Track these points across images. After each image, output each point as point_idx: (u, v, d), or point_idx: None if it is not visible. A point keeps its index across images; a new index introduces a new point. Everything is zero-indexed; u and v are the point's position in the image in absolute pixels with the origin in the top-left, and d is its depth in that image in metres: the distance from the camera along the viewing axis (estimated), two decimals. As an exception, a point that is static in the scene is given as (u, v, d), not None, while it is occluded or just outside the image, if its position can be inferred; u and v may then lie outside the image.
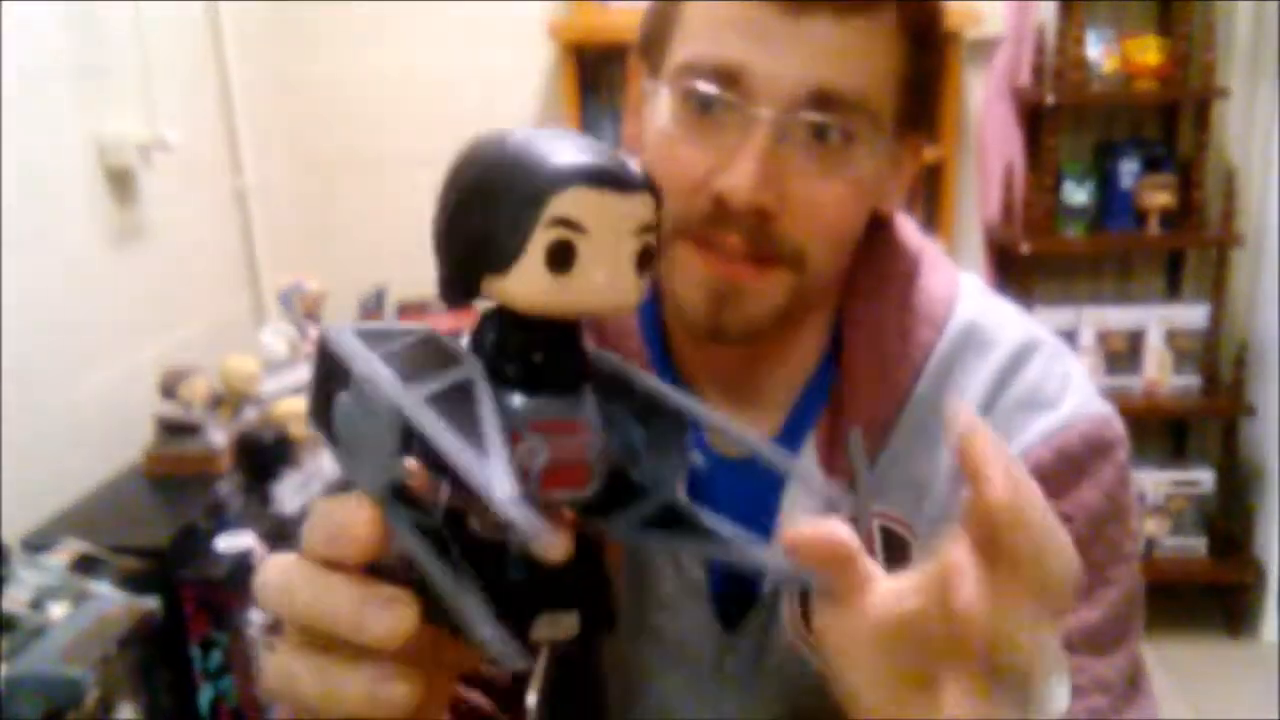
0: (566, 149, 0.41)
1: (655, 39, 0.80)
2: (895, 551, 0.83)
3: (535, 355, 0.42)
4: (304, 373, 2.37)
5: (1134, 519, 0.82)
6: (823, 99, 0.73)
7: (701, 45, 0.76)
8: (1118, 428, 0.82)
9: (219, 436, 2.20)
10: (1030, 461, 0.79)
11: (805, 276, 0.78)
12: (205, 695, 1.77)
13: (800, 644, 0.84)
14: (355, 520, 0.43)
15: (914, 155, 0.85)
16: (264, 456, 2.14)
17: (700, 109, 0.76)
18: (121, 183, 2.31)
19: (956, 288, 0.87)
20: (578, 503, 0.43)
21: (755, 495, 0.85)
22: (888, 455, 0.83)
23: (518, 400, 0.42)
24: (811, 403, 0.87)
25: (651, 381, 0.47)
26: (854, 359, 0.84)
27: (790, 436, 0.86)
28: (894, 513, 0.83)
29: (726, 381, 0.89)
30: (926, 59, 0.80)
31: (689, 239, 0.78)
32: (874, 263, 0.86)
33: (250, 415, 2.28)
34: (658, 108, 0.79)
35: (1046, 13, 3.00)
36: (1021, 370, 0.83)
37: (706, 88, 0.75)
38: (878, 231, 0.86)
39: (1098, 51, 2.96)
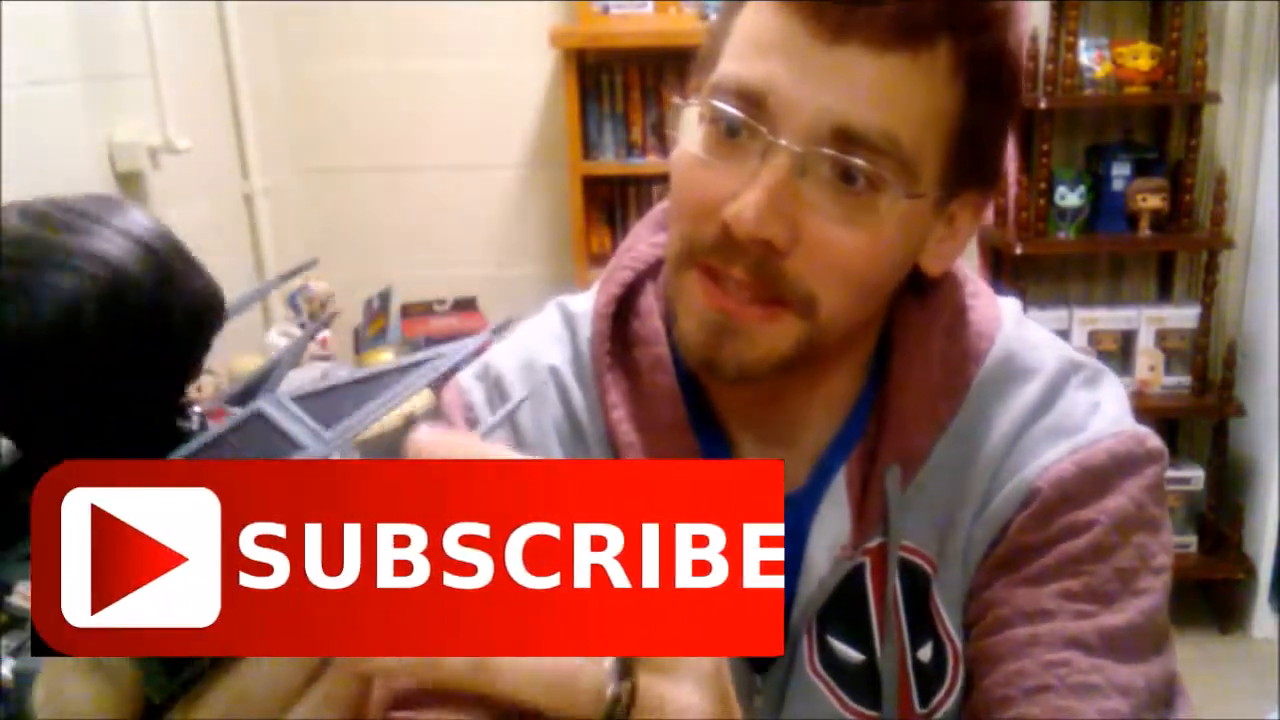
0: None
1: (705, 61, 0.76)
2: (916, 584, 0.80)
3: None
4: (311, 373, 2.37)
5: (1166, 534, 0.79)
6: (846, 137, 0.68)
7: (733, 66, 0.72)
8: (1151, 445, 0.79)
9: (229, 437, 2.19)
10: (1052, 475, 0.76)
11: (816, 326, 0.73)
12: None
13: (818, 682, 0.82)
14: None
15: (973, 213, 0.79)
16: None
17: (726, 132, 0.71)
18: (131, 186, 2.30)
19: (999, 321, 0.84)
20: None
21: (786, 534, 0.83)
22: (914, 487, 0.81)
23: None
24: (845, 443, 0.84)
25: None
26: (901, 393, 0.81)
27: (820, 478, 0.83)
28: (915, 546, 0.80)
29: (754, 418, 0.85)
30: (989, 107, 0.73)
31: (696, 266, 0.74)
32: (925, 295, 0.82)
33: (256, 415, 2.27)
34: (685, 128, 0.75)
35: (1039, 19, 3.03)
36: (1055, 401, 0.80)
37: (729, 109, 0.71)
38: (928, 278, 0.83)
39: (1090, 57, 3.01)
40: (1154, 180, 3.02)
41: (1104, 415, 0.79)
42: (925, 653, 0.80)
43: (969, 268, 0.87)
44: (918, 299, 0.82)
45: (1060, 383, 0.81)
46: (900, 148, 0.69)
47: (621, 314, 0.86)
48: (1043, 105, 2.95)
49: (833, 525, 0.81)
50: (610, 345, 0.84)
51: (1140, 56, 2.97)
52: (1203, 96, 2.96)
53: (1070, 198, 3.06)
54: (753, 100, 0.70)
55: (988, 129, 0.74)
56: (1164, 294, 3.26)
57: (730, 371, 0.75)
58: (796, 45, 0.68)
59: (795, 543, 0.82)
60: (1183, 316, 3.09)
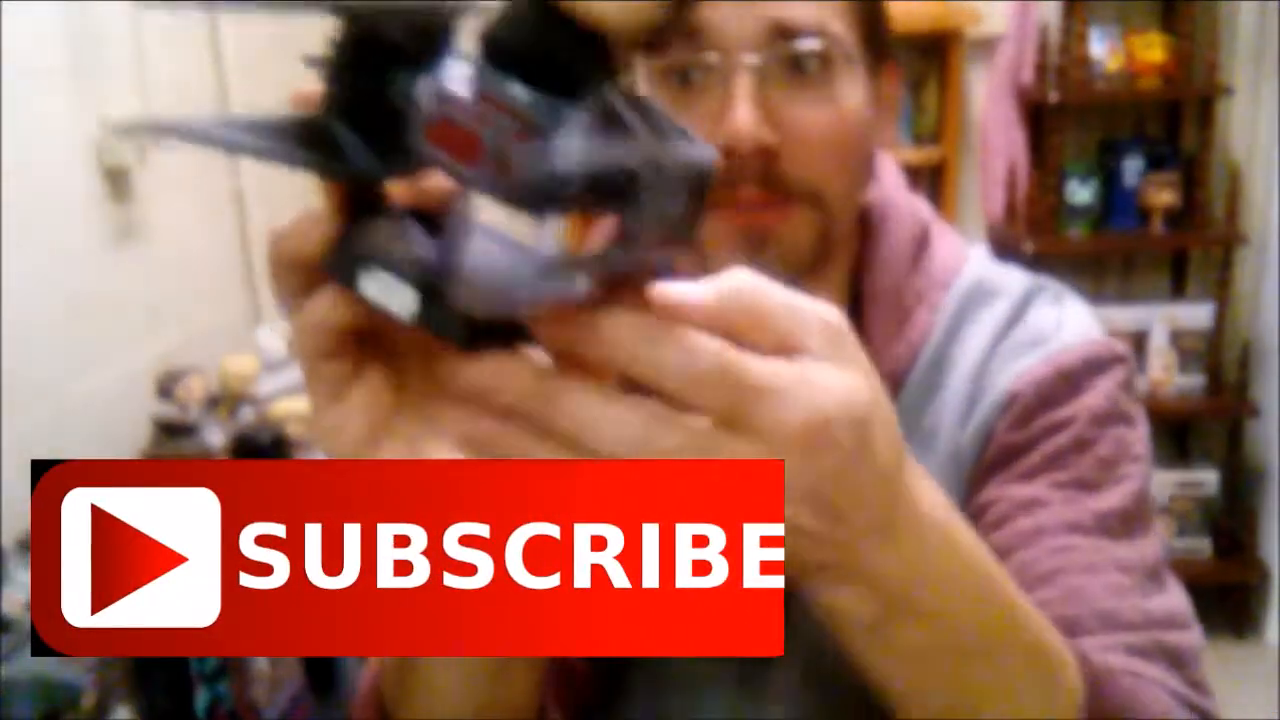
0: None
1: None
2: None
3: (518, 37, 0.40)
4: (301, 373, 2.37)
5: (1142, 427, 0.83)
6: (785, 32, 0.76)
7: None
8: (1118, 349, 0.84)
9: (216, 437, 2.19)
10: (1029, 379, 0.81)
11: (826, 212, 0.80)
12: (202, 698, 1.75)
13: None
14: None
15: (891, 85, 0.87)
16: (261, 457, 2.12)
17: (679, 83, 0.78)
18: (118, 182, 2.28)
19: (965, 256, 0.89)
20: (470, 183, 0.40)
21: None
22: (898, 410, 0.84)
23: (462, 67, 0.40)
24: None
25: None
26: (871, 321, 0.85)
27: None
28: None
29: None
30: None
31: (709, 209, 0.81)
32: (887, 234, 0.88)
33: (247, 415, 2.28)
34: None
35: (1049, 10, 3.02)
36: (1025, 316, 0.85)
37: (676, 56, 0.77)
38: (890, 206, 0.89)
39: (1101, 49, 2.98)
40: (1167, 175, 3.00)
41: (1072, 327, 0.84)
42: None
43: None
44: (883, 228, 0.88)
45: (1026, 301, 0.86)
46: (830, 31, 0.77)
47: None
48: (1053, 99, 2.93)
49: None
50: None
51: (1152, 48, 2.95)
52: (1216, 89, 2.94)
53: (1081, 193, 3.04)
54: (691, 36, 0.76)
55: (880, 2, 0.83)
56: (1177, 291, 3.23)
57: (781, 274, 0.80)
58: None
59: None
60: (1196, 314, 3.05)
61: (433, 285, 0.39)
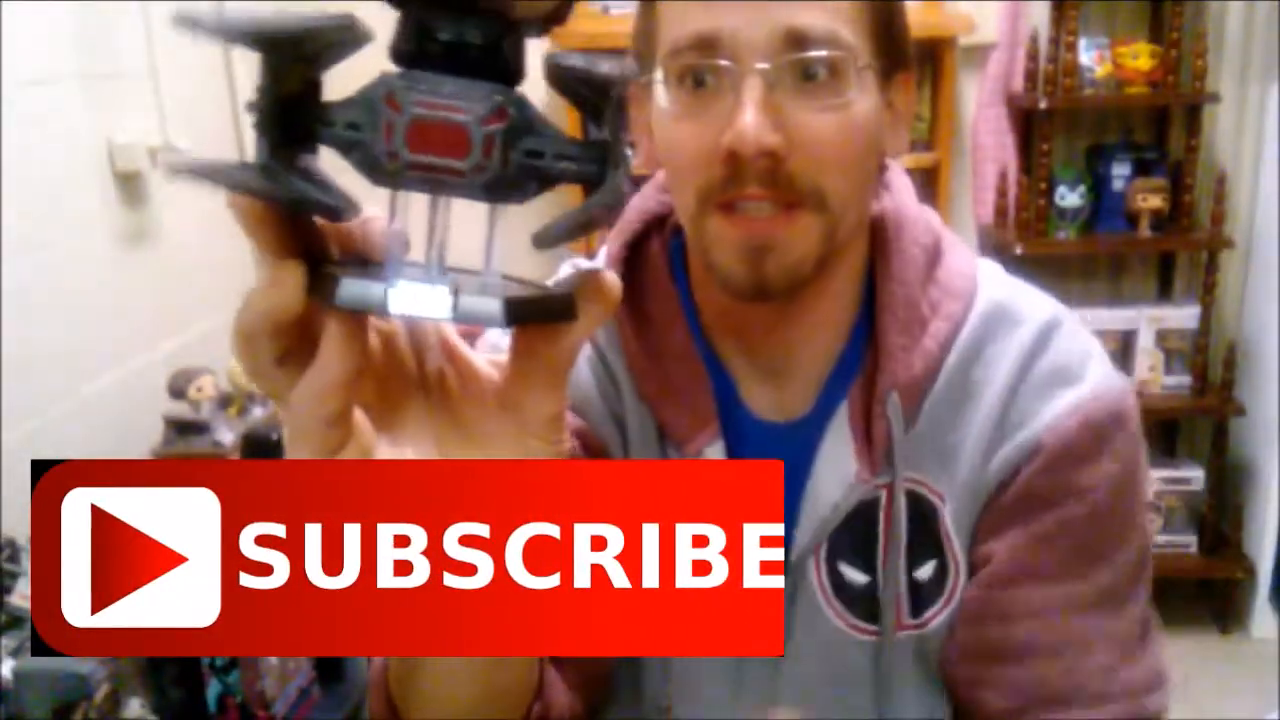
0: None
1: (644, 53, 0.84)
2: (922, 515, 0.87)
3: (441, 33, 0.42)
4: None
5: (1145, 480, 0.88)
6: (798, 41, 0.77)
7: (677, 28, 0.79)
8: (1132, 400, 0.88)
9: (227, 435, 2.21)
10: (1060, 434, 0.83)
11: (830, 216, 0.80)
12: (213, 690, 1.76)
13: (823, 602, 0.88)
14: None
15: (906, 94, 0.88)
16: (271, 454, 2.13)
17: (694, 86, 0.79)
18: (131, 186, 2.30)
19: (976, 266, 0.91)
20: (461, 178, 0.41)
21: (789, 457, 0.88)
22: (921, 426, 0.86)
23: (404, 73, 0.41)
24: (844, 374, 0.89)
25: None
26: (886, 329, 0.87)
27: (823, 407, 0.89)
28: (923, 478, 0.86)
29: (758, 354, 0.91)
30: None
31: (715, 208, 0.81)
32: (901, 244, 0.89)
33: (258, 414, 2.31)
34: (657, 102, 0.82)
35: (1039, 19, 3.03)
36: (1048, 346, 0.86)
37: (692, 60, 0.79)
38: (902, 216, 0.90)
39: (1090, 57, 3.00)
40: (1154, 180, 3.01)
41: (1097, 364, 0.87)
42: (924, 572, 0.88)
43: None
44: (896, 238, 0.90)
45: (1051, 329, 0.88)
46: (843, 40, 0.78)
47: (630, 261, 0.92)
48: (1043, 105, 2.94)
49: (840, 453, 0.87)
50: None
51: (1140, 56, 2.96)
52: (1203, 96, 2.95)
53: (1070, 198, 3.05)
54: (708, 43, 0.78)
55: (899, 11, 0.85)
56: (1164, 294, 3.25)
57: (779, 285, 0.81)
58: None
59: (800, 470, 0.87)
60: (1183, 316, 3.08)
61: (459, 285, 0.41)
